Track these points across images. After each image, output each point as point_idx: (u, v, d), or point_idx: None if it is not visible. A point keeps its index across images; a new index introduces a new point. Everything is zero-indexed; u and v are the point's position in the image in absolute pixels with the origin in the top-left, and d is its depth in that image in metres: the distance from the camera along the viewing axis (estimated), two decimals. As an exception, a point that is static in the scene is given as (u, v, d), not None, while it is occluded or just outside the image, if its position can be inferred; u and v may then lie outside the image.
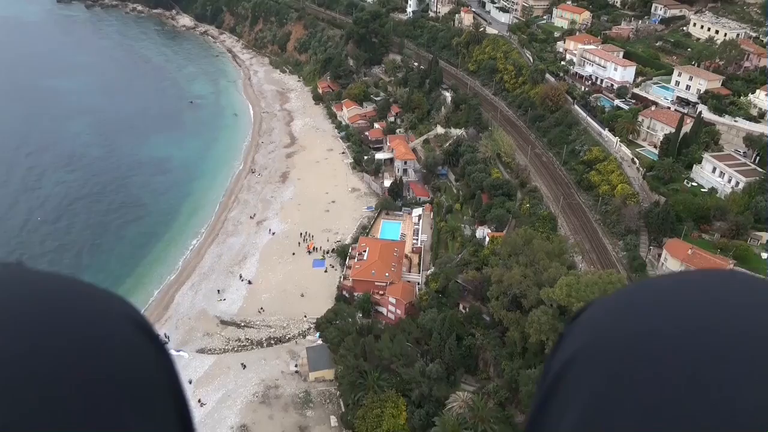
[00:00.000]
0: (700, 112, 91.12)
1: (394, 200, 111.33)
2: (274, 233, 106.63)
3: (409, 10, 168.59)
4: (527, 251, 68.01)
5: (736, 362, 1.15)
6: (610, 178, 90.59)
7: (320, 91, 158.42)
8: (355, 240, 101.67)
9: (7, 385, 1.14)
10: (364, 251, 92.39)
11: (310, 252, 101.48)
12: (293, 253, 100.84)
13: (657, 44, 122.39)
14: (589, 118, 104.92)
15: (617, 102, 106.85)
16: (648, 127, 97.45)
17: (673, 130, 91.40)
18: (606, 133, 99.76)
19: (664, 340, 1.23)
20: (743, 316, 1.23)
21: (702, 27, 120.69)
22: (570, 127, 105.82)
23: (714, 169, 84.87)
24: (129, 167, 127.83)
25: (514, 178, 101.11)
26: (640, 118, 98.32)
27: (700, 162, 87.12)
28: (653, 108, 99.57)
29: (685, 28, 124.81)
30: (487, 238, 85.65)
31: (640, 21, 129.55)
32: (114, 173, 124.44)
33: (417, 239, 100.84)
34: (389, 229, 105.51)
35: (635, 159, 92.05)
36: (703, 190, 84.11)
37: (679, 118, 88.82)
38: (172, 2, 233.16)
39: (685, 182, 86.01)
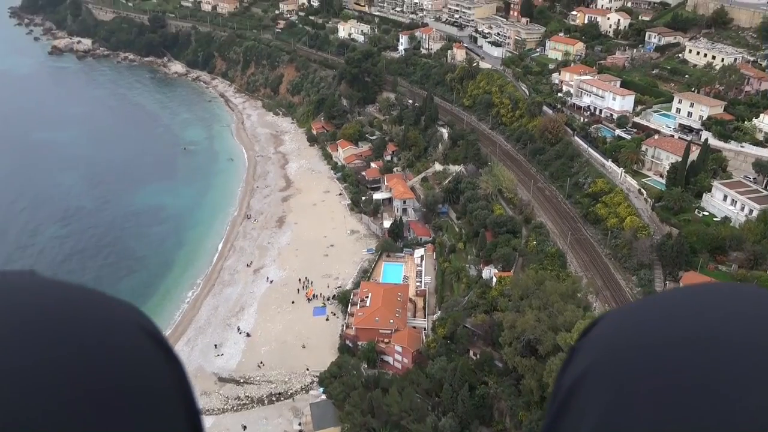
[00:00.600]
0: (707, 140, 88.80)
1: (394, 241, 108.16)
2: (272, 281, 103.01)
3: (401, 48, 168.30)
4: (540, 294, 64.53)
5: (749, 373, 1.17)
6: (618, 210, 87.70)
7: (314, 132, 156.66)
8: (357, 285, 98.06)
9: (18, 394, 1.16)
10: (367, 297, 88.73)
11: (309, 299, 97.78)
12: (292, 302, 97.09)
13: (653, 72, 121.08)
14: (590, 150, 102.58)
15: (618, 132, 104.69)
16: (652, 157, 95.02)
17: (679, 159, 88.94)
18: (609, 164, 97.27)
19: (676, 354, 1.25)
20: (754, 328, 1.26)
21: (698, 53, 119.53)
22: (572, 159, 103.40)
23: (725, 197, 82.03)
24: (123, 218, 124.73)
25: (518, 214, 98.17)
26: (643, 148, 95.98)
27: (709, 190, 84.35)
28: (656, 137, 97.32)
29: (680, 54, 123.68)
30: (495, 279, 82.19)
31: (635, 50, 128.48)
32: (108, 226, 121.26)
33: (420, 281, 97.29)
34: (391, 271, 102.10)
35: (642, 190, 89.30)
36: (715, 219, 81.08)
37: (686, 146, 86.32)
38: (163, 50, 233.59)
39: (696, 212, 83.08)
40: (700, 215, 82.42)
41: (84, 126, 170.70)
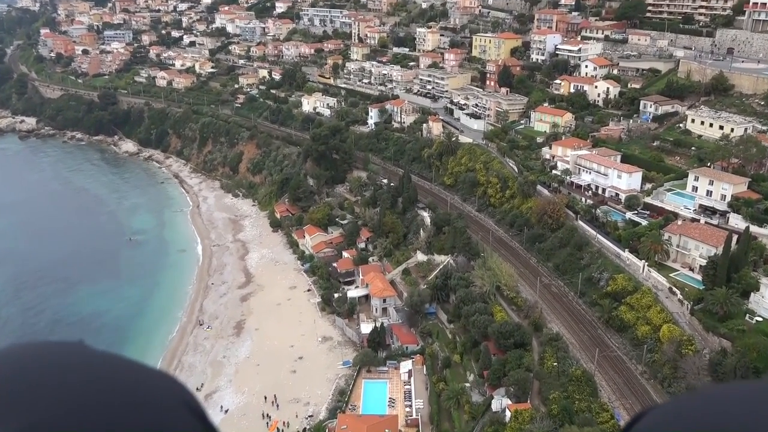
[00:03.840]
0: (748, 227, 74.83)
1: (375, 352, 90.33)
2: (227, 411, 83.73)
3: (371, 121, 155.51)
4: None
5: None
6: (649, 315, 72.19)
7: (278, 216, 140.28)
8: (332, 413, 79.51)
9: None
10: (346, 437, 70.11)
11: (274, 436, 78.58)
12: (253, 440, 77.73)
13: (654, 144, 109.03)
14: (601, 237, 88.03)
15: (629, 215, 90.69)
16: (678, 246, 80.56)
17: (712, 249, 74.91)
18: (626, 254, 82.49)
19: None
20: None
21: (702, 123, 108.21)
22: (580, 249, 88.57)
23: (780, 298, 67.19)
24: (49, 330, 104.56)
25: (523, 318, 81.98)
26: (665, 235, 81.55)
27: (757, 289, 69.55)
28: (680, 222, 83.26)
29: (681, 124, 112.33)
30: (508, 412, 64.79)
31: (631, 120, 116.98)
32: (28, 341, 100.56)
33: (410, 405, 79.25)
34: (373, 392, 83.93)
35: (674, 288, 74.13)
36: (774, 326, 65.87)
37: (727, 236, 72.05)
38: (114, 128, 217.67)
39: (747, 317, 67.83)
40: (753, 321, 67.23)
41: (18, 216, 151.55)
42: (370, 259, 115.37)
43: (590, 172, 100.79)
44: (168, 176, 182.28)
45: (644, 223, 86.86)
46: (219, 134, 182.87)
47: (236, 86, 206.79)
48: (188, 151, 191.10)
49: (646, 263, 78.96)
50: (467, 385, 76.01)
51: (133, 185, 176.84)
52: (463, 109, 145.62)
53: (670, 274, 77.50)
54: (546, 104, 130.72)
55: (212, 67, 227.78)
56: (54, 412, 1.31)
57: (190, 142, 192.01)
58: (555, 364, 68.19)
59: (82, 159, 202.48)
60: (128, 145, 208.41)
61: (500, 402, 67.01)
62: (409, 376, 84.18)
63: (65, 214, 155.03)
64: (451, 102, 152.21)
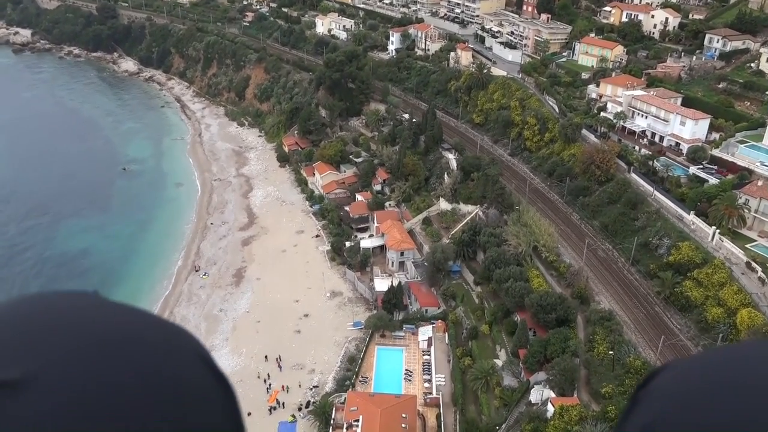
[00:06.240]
0: None
1: (390, 314, 79.79)
2: (221, 375, 73.89)
3: (392, 47, 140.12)
4: None
5: None
6: (721, 294, 60.44)
7: (286, 149, 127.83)
8: (340, 384, 69.98)
9: (77, 420, 1.22)
10: (356, 421, 60.33)
11: (273, 408, 69.08)
12: (248, 413, 67.97)
13: (720, 86, 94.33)
14: (659, 194, 75.29)
15: (693, 170, 77.55)
16: (757, 211, 67.91)
17: (801, 218, 62.35)
18: (691, 218, 70.03)
19: (750, 412, 1.24)
20: None
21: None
22: (633, 208, 76.04)
23: None
24: (29, 270, 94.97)
25: (565, 288, 70.57)
26: (742, 197, 68.75)
27: None
28: (760, 183, 70.16)
29: (752, 64, 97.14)
30: (551, 407, 54.29)
31: (693, 57, 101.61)
32: (6, 283, 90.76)
33: (430, 380, 69.33)
34: (387, 361, 74.00)
35: (754, 264, 62.02)
36: None
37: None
38: (114, 44, 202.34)
39: None
40: None
41: (6, 138, 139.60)
42: (387, 204, 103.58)
43: (646, 117, 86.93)
44: (169, 100, 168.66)
45: (712, 180, 73.88)
46: (225, 55, 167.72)
47: (245, 2, 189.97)
48: (191, 72, 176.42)
49: (717, 230, 66.57)
50: (498, 363, 65.59)
51: (131, 108, 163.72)
52: (497, 37, 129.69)
53: (747, 245, 65.31)
54: (593, 35, 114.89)
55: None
56: (65, 359, 1.32)
57: (193, 63, 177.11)
58: (611, 353, 57.11)
59: (79, 77, 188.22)
60: (128, 64, 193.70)
61: (541, 393, 56.46)
62: (429, 345, 73.97)
63: (57, 137, 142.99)
64: (483, 29, 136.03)
